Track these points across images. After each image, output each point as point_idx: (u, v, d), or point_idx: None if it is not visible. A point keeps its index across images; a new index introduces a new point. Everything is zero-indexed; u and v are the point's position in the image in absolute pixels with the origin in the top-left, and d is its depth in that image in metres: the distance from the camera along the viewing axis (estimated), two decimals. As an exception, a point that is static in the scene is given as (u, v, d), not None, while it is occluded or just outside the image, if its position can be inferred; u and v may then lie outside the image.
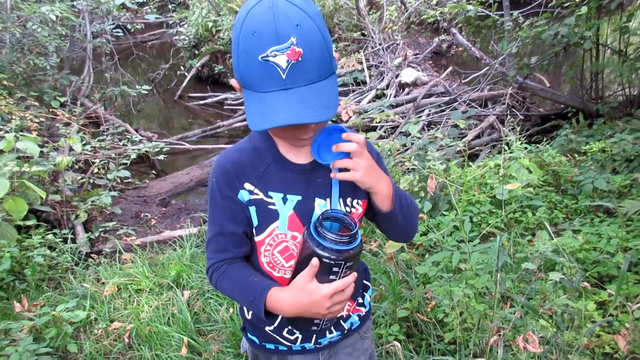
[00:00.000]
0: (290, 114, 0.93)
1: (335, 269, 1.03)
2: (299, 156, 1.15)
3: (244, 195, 1.13)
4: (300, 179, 1.14)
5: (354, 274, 1.09)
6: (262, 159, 1.14)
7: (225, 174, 1.13)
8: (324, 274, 1.04)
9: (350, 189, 1.17)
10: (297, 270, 1.09)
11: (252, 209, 1.14)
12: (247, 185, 1.13)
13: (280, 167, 1.14)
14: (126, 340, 2.60)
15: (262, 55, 0.92)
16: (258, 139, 1.16)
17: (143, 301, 2.86)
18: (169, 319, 2.71)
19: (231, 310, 2.69)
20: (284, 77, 0.93)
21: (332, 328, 1.27)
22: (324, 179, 1.15)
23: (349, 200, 1.18)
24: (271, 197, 1.13)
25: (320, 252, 1.01)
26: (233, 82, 1.05)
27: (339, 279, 1.05)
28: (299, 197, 1.14)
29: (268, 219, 1.15)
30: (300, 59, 0.92)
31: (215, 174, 1.15)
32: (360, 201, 1.19)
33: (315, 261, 1.02)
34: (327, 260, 1.01)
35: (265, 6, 0.93)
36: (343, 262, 1.02)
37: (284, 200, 1.13)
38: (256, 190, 1.13)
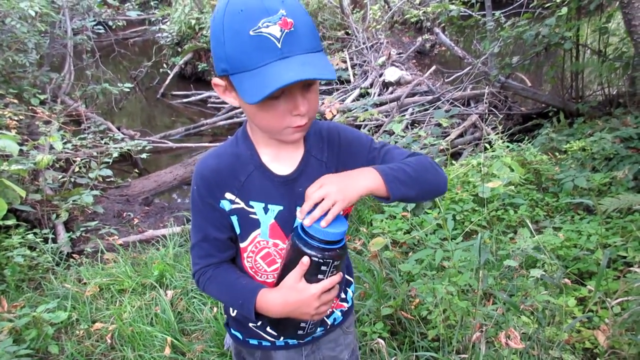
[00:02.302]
0: (295, 72, 0.90)
1: (323, 268, 1.04)
2: (281, 167, 1.13)
3: (225, 205, 1.12)
4: (282, 190, 1.13)
5: (340, 274, 1.10)
6: (243, 167, 1.12)
7: (205, 183, 1.12)
8: (313, 274, 1.05)
9: None
10: (282, 274, 1.09)
11: (234, 218, 1.14)
12: (228, 195, 1.11)
13: (262, 176, 1.12)
14: (108, 341, 2.57)
15: (254, 29, 0.89)
16: (240, 144, 1.14)
17: (125, 301, 2.83)
18: (152, 319, 2.69)
19: (215, 309, 2.67)
20: (279, 45, 0.90)
21: None
22: (304, 187, 1.10)
23: None
24: (252, 207, 1.12)
25: (309, 251, 1.02)
26: (216, 80, 1.02)
27: (326, 278, 1.06)
28: (281, 207, 1.13)
29: (250, 228, 1.14)
30: (292, 28, 0.91)
31: (195, 181, 1.13)
32: None
33: (306, 259, 1.02)
34: (316, 259, 1.02)
35: None
36: (331, 261, 1.03)
37: (265, 210, 1.12)
38: (237, 200, 1.12)
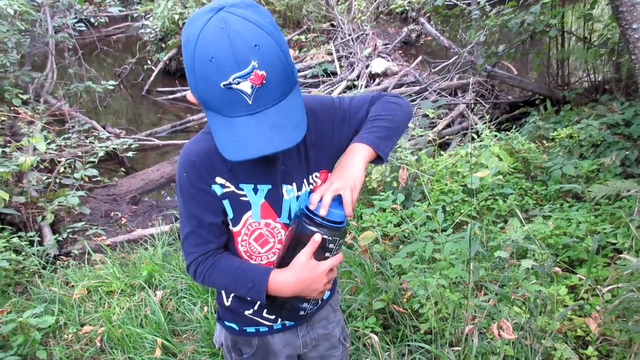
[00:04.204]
0: (265, 143, 0.94)
1: (330, 246, 1.11)
2: None
3: (216, 190, 1.12)
4: (268, 168, 1.14)
5: (342, 253, 1.18)
6: None
7: (195, 168, 1.11)
8: (321, 252, 1.11)
9: (307, 169, 1.19)
10: (286, 256, 1.13)
11: (226, 202, 1.14)
12: (219, 180, 1.11)
13: None
14: (98, 344, 2.53)
15: (224, 83, 0.90)
16: None
17: (114, 303, 2.78)
18: (141, 320, 2.65)
19: (205, 309, 2.64)
20: (250, 102, 0.92)
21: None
22: (286, 165, 1.16)
23: (310, 178, 1.20)
24: (242, 189, 1.13)
25: (319, 230, 1.08)
26: (190, 96, 1.01)
27: (332, 256, 1.13)
28: (269, 186, 1.15)
29: (241, 210, 1.15)
30: (264, 82, 0.91)
31: (184, 168, 1.12)
32: (318, 174, 1.21)
33: (318, 237, 1.08)
34: (326, 237, 1.09)
35: (217, 26, 0.89)
36: (337, 239, 1.11)
37: (255, 190, 1.14)
38: (227, 184, 1.12)
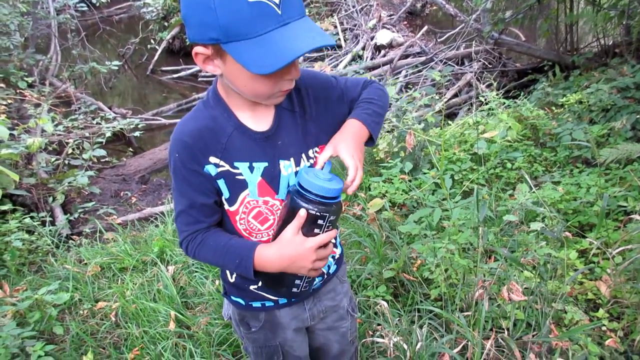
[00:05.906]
0: (308, 40, 0.93)
1: (320, 222, 1.07)
2: (259, 124, 1.12)
3: (210, 170, 1.10)
4: (264, 145, 1.12)
5: (335, 231, 1.13)
6: (222, 129, 1.10)
7: (187, 149, 1.08)
8: (310, 228, 1.08)
9: (306, 143, 1.18)
10: (279, 231, 1.10)
11: (221, 182, 1.12)
12: (212, 159, 1.09)
13: (242, 135, 1.11)
14: (113, 319, 2.57)
15: None
16: (215, 107, 1.11)
17: (127, 279, 2.82)
18: (154, 295, 2.69)
19: (217, 282, 2.67)
20: (279, 12, 0.91)
21: None
22: (283, 140, 1.14)
23: (310, 152, 1.19)
24: (237, 168, 1.11)
25: (306, 205, 1.05)
26: (199, 49, 0.98)
27: (322, 233, 1.09)
28: (266, 164, 1.12)
29: (238, 189, 1.13)
30: None
31: (176, 148, 1.09)
32: (317, 149, 1.20)
33: (303, 212, 1.05)
34: (313, 212, 1.05)
35: None
36: (327, 215, 1.07)
37: (251, 169, 1.11)
38: (222, 163, 1.10)
